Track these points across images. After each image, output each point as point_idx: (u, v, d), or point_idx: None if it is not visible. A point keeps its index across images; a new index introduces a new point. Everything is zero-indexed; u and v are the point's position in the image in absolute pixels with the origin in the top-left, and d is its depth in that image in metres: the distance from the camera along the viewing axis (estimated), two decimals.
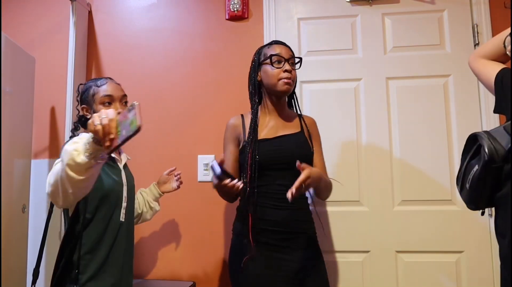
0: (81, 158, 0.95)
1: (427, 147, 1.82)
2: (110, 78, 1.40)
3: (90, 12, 2.15)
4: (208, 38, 2.04)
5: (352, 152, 1.86)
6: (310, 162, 1.43)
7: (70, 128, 1.94)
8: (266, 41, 1.96)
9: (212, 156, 1.94)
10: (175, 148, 1.99)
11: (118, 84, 1.40)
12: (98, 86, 1.34)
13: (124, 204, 1.33)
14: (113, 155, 1.34)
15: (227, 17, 2.02)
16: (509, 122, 0.92)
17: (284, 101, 1.53)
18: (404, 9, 1.92)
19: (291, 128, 1.48)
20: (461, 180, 0.98)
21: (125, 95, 1.37)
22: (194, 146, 1.98)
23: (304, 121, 1.52)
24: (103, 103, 1.31)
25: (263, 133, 1.45)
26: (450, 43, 1.87)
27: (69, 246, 1.21)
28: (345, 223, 1.82)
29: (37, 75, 1.98)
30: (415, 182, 1.81)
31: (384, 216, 1.81)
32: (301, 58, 1.50)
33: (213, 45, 2.03)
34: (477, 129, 1.79)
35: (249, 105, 1.52)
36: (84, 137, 0.98)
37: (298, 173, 1.37)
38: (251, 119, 1.46)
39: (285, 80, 1.42)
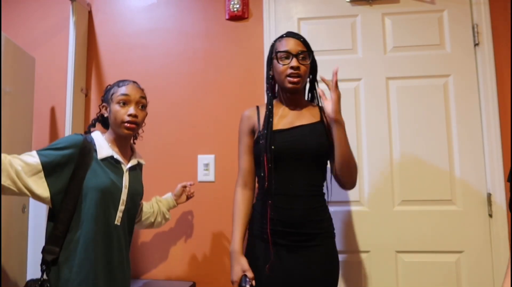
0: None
1: (427, 147, 1.82)
2: (134, 82, 1.40)
3: (90, 12, 2.15)
4: (208, 38, 2.04)
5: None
6: (328, 153, 1.40)
7: (71, 128, 1.95)
8: (266, 41, 1.96)
9: (212, 156, 1.94)
10: (175, 148, 1.99)
11: (142, 89, 1.39)
12: (119, 87, 1.35)
13: (121, 207, 1.29)
14: (116, 156, 1.32)
15: (227, 17, 2.02)
16: None
17: (301, 94, 1.48)
18: (404, 9, 1.92)
19: (309, 118, 1.43)
20: None
21: (143, 98, 1.36)
22: (194, 146, 1.98)
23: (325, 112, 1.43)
24: (119, 103, 1.32)
25: (278, 124, 1.41)
26: (450, 43, 1.87)
27: (55, 245, 1.21)
28: (345, 223, 1.82)
29: (37, 75, 1.98)
30: (415, 182, 1.81)
31: (384, 216, 1.81)
32: (312, 52, 1.43)
33: (213, 45, 2.03)
34: (477, 129, 1.80)
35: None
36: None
37: (314, 167, 1.37)
38: (266, 110, 1.43)
39: (290, 79, 1.37)
